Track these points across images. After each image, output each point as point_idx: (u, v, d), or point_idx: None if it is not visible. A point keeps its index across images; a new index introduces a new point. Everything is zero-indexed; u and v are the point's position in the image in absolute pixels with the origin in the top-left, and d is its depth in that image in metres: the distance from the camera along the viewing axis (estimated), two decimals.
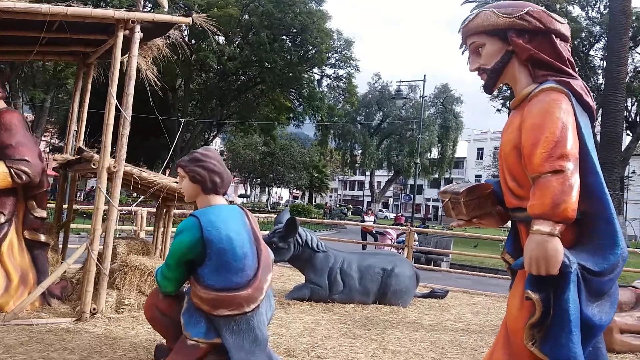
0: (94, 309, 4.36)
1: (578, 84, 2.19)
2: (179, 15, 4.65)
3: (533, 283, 2.03)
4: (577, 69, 2.29)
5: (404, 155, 42.86)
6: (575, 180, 1.93)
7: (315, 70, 27.70)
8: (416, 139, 40.88)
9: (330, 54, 26.59)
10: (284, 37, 24.61)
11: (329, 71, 28.03)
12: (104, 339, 3.87)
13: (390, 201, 72.40)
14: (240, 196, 65.46)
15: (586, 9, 28.41)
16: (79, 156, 4.76)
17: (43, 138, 31.30)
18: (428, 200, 65.70)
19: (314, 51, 24.56)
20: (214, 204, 3.28)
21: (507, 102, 24.94)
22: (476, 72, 2.42)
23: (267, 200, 51.55)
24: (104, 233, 4.49)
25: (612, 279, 2.05)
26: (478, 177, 57.95)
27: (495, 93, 24.88)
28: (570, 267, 1.96)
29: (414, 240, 11.99)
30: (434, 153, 47.29)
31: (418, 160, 24.87)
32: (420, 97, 26.32)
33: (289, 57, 24.13)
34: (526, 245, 1.99)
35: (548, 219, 1.93)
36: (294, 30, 23.94)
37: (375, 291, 5.86)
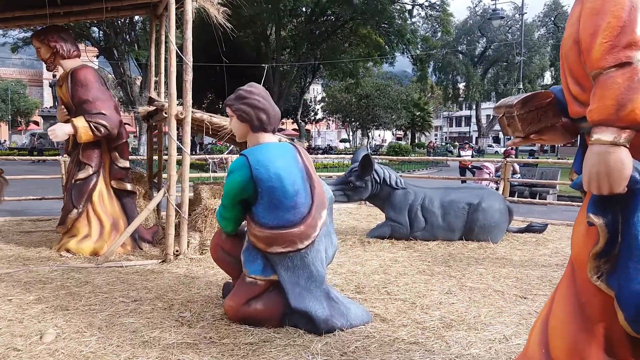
0: (177, 251, 4.59)
1: None
2: None
3: (596, 205, 1.67)
4: None
5: (512, 83, 39.64)
6: None
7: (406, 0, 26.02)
8: (526, 65, 37.46)
9: None
10: None
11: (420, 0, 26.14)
12: (183, 278, 4.06)
13: (501, 135, 68.23)
14: (341, 141, 65.79)
15: None
16: (150, 106, 4.91)
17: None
18: None
19: None
20: (263, 142, 3.19)
21: None
22: None
23: (367, 143, 51.00)
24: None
25: None
26: None
27: None
28: None
29: (516, 173, 11.20)
30: (547, 78, 43.19)
31: (521, 86, 22.61)
32: (521, 15, 23.49)
33: None
34: (585, 159, 1.63)
35: (611, 124, 1.54)
36: None
37: (460, 227, 5.52)
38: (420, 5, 26.24)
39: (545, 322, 1.98)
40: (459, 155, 14.53)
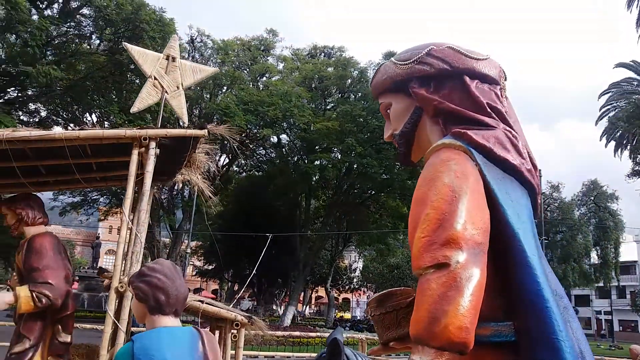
0: None
1: (491, 134, 1.46)
2: (194, 128, 4.62)
3: None
4: None
5: (555, 261, 38.31)
6: (470, 278, 1.17)
7: None
8: (569, 244, 36.62)
9: None
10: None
11: None
12: None
13: None
14: None
15: None
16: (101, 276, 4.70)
17: (190, 262, 34.12)
18: (598, 313, 56.39)
19: None
20: (159, 325, 2.80)
21: None
22: (393, 141, 1.79)
23: None
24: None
25: None
26: None
27: None
28: None
29: None
30: (594, 257, 41.77)
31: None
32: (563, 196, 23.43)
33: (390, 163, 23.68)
34: None
35: (425, 343, 1.16)
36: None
37: None
38: None
39: None
40: None
